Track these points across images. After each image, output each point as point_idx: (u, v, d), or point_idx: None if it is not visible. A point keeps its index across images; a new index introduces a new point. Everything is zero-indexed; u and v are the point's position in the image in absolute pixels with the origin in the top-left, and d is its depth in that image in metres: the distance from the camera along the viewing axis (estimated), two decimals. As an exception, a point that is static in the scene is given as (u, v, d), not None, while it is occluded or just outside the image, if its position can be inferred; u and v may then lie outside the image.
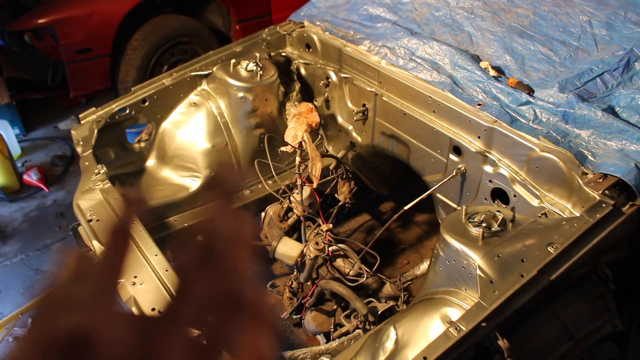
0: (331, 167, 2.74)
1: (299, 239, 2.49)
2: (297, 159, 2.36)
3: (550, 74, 2.08)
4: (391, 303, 2.31)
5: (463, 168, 2.14)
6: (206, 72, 2.64)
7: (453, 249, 1.58)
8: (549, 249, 1.50)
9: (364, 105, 2.58)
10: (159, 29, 4.26)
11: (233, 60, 2.59)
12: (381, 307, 2.27)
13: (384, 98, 2.42)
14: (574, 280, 1.64)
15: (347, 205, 2.74)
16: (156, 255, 1.81)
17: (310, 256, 2.21)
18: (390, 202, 3.38)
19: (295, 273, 2.52)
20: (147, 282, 1.72)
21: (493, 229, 1.59)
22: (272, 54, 2.86)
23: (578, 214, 1.67)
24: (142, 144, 2.63)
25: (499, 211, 1.67)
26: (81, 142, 2.39)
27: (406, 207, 2.22)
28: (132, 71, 4.23)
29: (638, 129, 1.77)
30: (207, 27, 4.64)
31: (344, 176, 2.71)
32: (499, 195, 2.06)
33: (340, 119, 2.80)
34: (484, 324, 1.36)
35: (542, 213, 1.82)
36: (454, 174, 2.16)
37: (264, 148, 2.49)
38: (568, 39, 2.16)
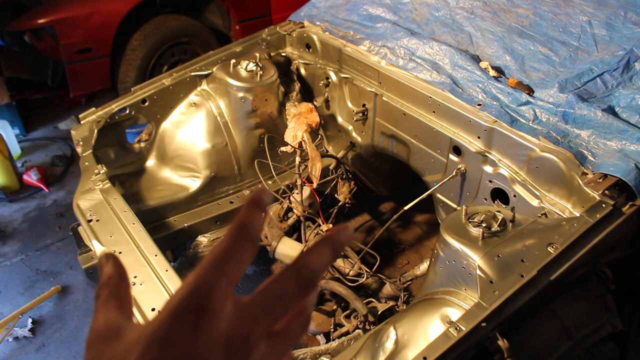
0: (331, 167, 2.74)
1: (299, 239, 2.49)
2: (297, 159, 2.36)
3: (550, 74, 2.08)
4: (391, 303, 2.31)
5: (463, 168, 2.14)
6: (206, 72, 2.64)
7: (453, 249, 1.58)
8: (549, 249, 1.50)
9: (363, 105, 2.59)
10: (159, 29, 4.26)
11: (233, 60, 2.59)
12: (381, 307, 2.27)
13: (383, 98, 2.42)
14: (574, 281, 1.64)
15: (347, 205, 2.74)
16: (156, 256, 1.81)
17: (310, 256, 2.21)
18: (390, 202, 3.38)
19: (295, 273, 2.51)
20: (147, 282, 1.72)
21: (493, 229, 1.59)
22: (272, 54, 2.86)
23: (578, 214, 1.67)
24: (142, 144, 2.63)
25: (499, 211, 1.67)
26: (81, 142, 2.39)
27: (406, 207, 2.22)
28: (132, 71, 4.23)
29: (638, 129, 1.77)
30: (207, 27, 4.64)
31: (344, 176, 2.71)
32: (499, 195, 2.06)
33: (340, 119, 2.80)
34: (483, 324, 1.36)
35: (542, 213, 1.82)
36: (454, 174, 2.16)
37: (264, 148, 2.49)
38: (568, 39, 2.16)
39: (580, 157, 1.77)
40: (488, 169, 2.04)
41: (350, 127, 2.77)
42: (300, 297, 0.45)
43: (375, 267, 2.31)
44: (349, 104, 2.68)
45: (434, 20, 2.53)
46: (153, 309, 1.62)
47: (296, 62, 2.88)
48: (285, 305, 0.44)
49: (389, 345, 1.55)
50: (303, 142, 2.35)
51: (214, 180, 2.60)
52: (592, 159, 1.77)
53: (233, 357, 0.40)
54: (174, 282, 1.70)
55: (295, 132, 2.37)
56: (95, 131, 2.42)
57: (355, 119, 2.62)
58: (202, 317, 0.39)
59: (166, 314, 0.40)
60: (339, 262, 2.40)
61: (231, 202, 2.61)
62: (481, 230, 1.58)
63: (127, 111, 2.50)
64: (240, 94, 2.55)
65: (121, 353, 0.40)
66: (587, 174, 1.72)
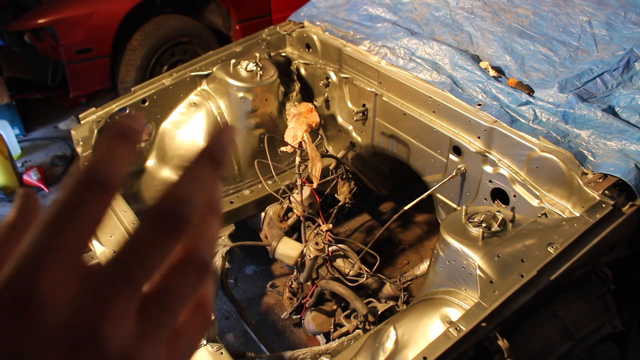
0: (331, 167, 2.74)
1: (299, 239, 2.49)
2: (297, 159, 2.36)
3: (550, 74, 2.08)
4: (391, 303, 2.31)
5: (463, 168, 2.15)
6: (206, 72, 2.64)
7: (453, 249, 1.58)
8: (549, 249, 1.50)
9: (363, 106, 2.59)
10: (159, 29, 4.26)
11: (233, 60, 2.59)
12: (381, 307, 2.27)
13: (383, 98, 2.42)
14: (574, 281, 1.64)
15: (347, 205, 2.74)
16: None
17: (310, 256, 2.22)
18: (390, 202, 3.38)
19: (295, 273, 2.52)
20: (147, 282, 1.72)
21: (493, 229, 1.60)
22: (272, 54, 2.86)
23: (578, 214, 1.67)
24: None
25: (499, 211, 1.67)
26: (81, 142, 2.39)
27: (406, 207, 2.22)
28: (132, 71, 4.23)
29: (638, 129, 1.77)
30: (207, 27, 4.64)
31: (344, 176, 2.71)
32: (499, 195, 2.06)
33: (340, 119, 2.80)
34: (483, 324, 1.37)
35: (542, 213, 1.82)
36: (454, 174, 2.16)
37: (264, 148, 2.49)
38: (568, 39, 2.16)
39: (580, 157, 1.77)
40: (488, 169, 2.04)
41: (350, 127, 2.77)
42: (170, 242, 0.33)
43: (375, 267, 2.31)
44: (349, 104, 2.68)
45: (434, 20, 2.53)
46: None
47: (296, 62, 2.88)
48: (151, 263, 0.32)
49: (389, 345, 1.55)
50: (303, 142, 2.35)
51: (214, 180, 2.60)
52: (592, 159, 1.77)
53: (79, 354, 0.29)
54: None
55: (295, 132, 2.37)
56: (95, 131, 2.42)
57: (355, 119, 2.62)
58: (26, 311, 0.29)
59: None
60: (339, 262, 2.40)
61: (231, 202, 2.61)
62: (481, 230, 1.58)
63: (127, 111, 2.50)
64: (240, 94, 2.55)
65: None
66: (587, 174, 1.72)
